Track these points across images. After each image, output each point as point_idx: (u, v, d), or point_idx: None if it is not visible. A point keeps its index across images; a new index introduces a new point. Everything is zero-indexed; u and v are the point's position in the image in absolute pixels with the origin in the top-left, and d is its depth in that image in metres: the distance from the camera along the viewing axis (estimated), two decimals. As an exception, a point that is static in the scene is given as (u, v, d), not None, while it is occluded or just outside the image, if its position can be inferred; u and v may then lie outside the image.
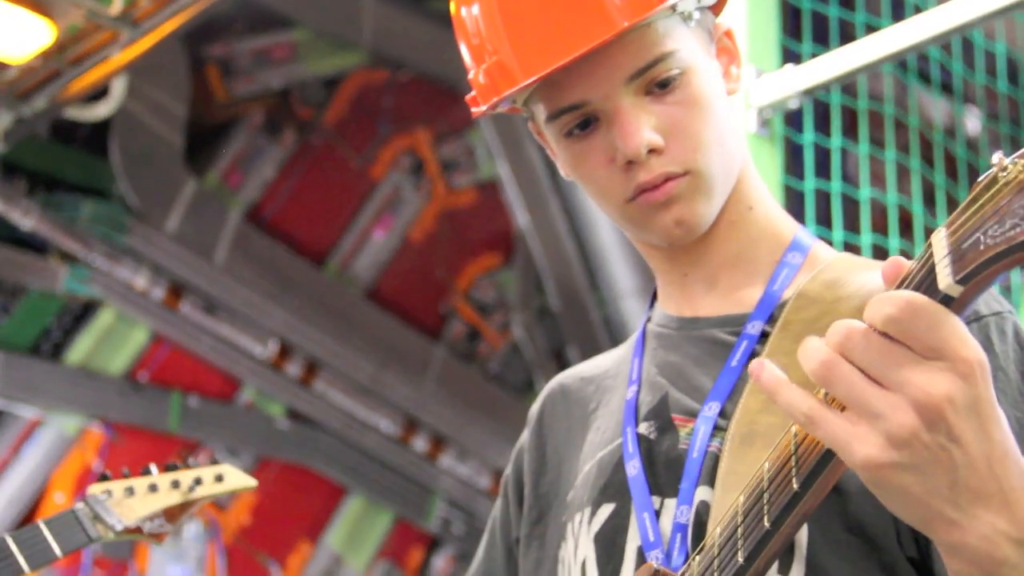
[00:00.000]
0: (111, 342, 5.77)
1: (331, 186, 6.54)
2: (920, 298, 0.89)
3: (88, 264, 5.56)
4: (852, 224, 2.69)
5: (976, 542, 0.92)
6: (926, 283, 0.89)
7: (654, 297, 1.49)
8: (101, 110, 5.27)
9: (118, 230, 5.65)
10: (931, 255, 0.89)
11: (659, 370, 1.38)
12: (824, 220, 2.67)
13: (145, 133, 5.71)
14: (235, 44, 6.13)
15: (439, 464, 6.57)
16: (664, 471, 1.29)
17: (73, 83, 4.68)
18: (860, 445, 0.91)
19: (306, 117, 6.43)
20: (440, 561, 6.66)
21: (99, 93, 5.19)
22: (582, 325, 6.61)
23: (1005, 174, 0.85)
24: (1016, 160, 0.86)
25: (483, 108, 1.37)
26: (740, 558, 1.05)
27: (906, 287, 0.90)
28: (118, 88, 5.27)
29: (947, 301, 0.88)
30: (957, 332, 0.89)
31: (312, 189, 6.45)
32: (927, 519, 0.93)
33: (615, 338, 6.29)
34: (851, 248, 2.54)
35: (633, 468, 1.31)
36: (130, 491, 2.06)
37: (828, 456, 0.96)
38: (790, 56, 2.73)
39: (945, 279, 0.88)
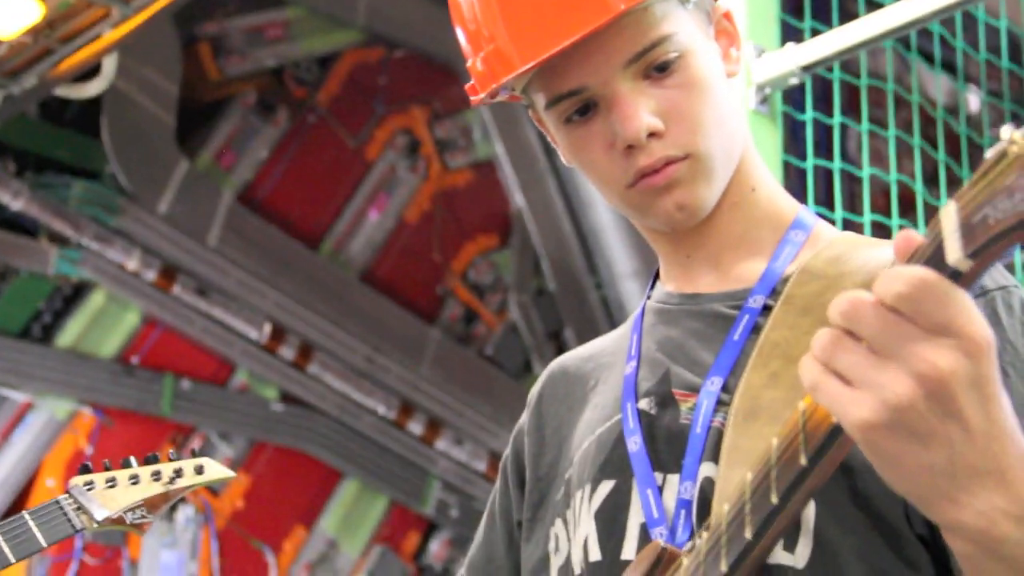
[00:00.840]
0: (102, 325, 5.76)
1: (325, 166, 6.53)
2: (930, 275, 0.89)
3: (79, 246, 5.55)
4: (853, 202, 2.70)
5: (974, 520, 0.92)
6: (935, 257, 0.89)
7: (656, 277, 1.50)
8: (91, 88, 5.26)
9: (109, 211, 5.64)
10: (940, 229, 0.89)
11: (658, 345, 1.39)
12: (824, 199, 2.68)
13: (137, 113, 5.70)
14: (227, 22, 6.12)
15: (435, 447, 6.57)
16: (665, 446, 1.30)
17: (63, 61, 4.67)
18: (856, 407, 0.91)
19: (300, 96, 6.42)
20: (436, 545, 6.66)
21: (90, 71, 5.18)
22: (579, 306, 6.63)
23: (1015, 148, 0.86)
24: None
25: (482, 96, 1.38)
26: (748, 534, 1.06)
27: (915, 261, 0.90)
28: (109, 66, 5.26)
29: (956, 276, 0.89)
30: (965, 309, 0.90)
31: (306, 169, 6.44)
32: (924, 494, 0.94)
33: (613, 320, 6.31)
34: (852, 226, 2.55)
35: (634, 444, 1.31)
36: (112, 482, 2.11)
37: (837, 431, 0.97)
38: (790, 32, 2.73)
39: (954, 253, 0.88)
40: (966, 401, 0.90)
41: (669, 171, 1.31)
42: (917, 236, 0.92)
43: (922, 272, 0.89)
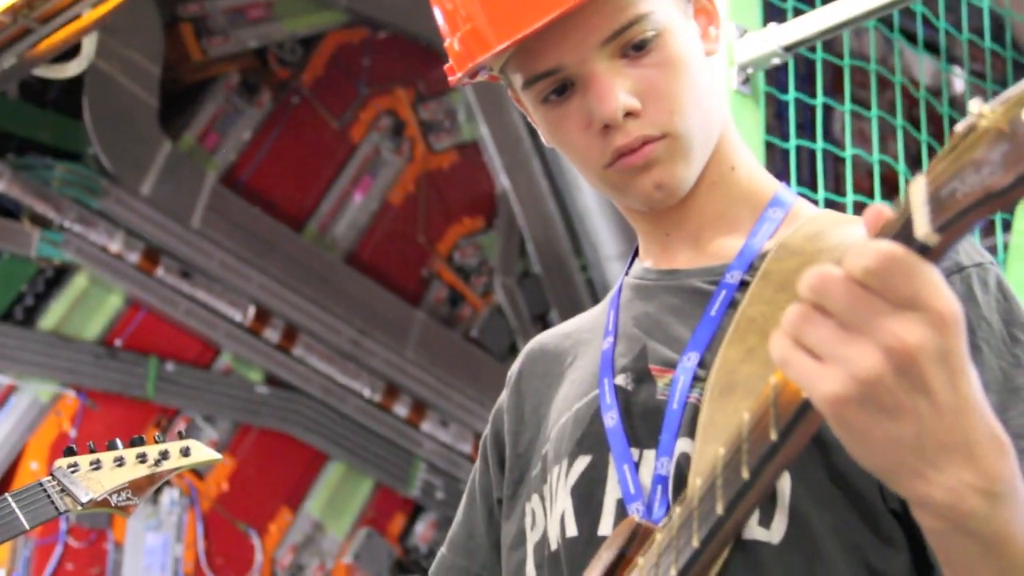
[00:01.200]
0: (85, 307, 5.76)
1: (309, 147, 6.52)
2: (897, 249, 0.89)
3: (61, 228, 5.54)
4: (836, 183, 2.71)
5: (941, 494, 0.92)
6: (904, 231, 0.89)
7: (635, 253, 1.51)
8: (71, 69, 5.23)
9: (92, 193, 5.63)
10: (909, 203, 0.89)
11: (636, 321, 1.40)
12: (808, 180, 2.69)
13: (119, 94, 5.68)
14: (210, 3, 6.10)
15: (421, 429, 6.59)
16: (642, 422, 1.30)
17: (42, 41, 4.65)
18: (824, 382, 0.91)
19: (283, 77, 6.41)
20: (422, 527, 6.69)
21: (69, 52, 5.15)
22: (565, 289, 6.63)
23: (983, 121, 0.86)
24: (995, 107, 0.86)
25: (459, 76, 1.39)
26: (719, 509, 1.06)
27: (885, 235, 0.90)
28: (88, 46, 5.23)
29: (924, 250, 0.88)
30: (932, 283, 0.89)
31: (290, 151, 6.44)
32: (892, 469, 0.94)
33: (598, 302, 6.31)
34: (835, 207, 2.56)
35: (611, 419, 1.32)
36: (96, 465, 2.12)
37: (807, 406, 0.97)
38: (773, 12, 2.74)
39: (922, 228, 0.88)
40: (934, 375, 0.90)
41: (646, 151, 1.32)
42: (887, 210, 0.92)
43: (890, 246, 0.89)
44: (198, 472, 5.91)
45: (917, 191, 0.89)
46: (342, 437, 6.37)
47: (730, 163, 1.40)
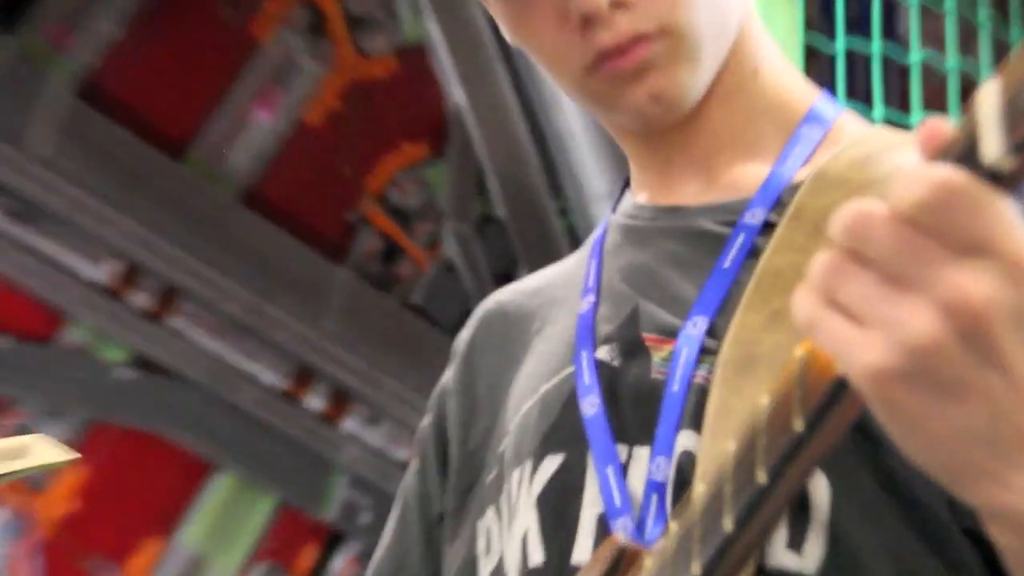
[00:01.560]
0: None
1: (196, 49, 6.53)
2: (959, 176, 0.88)
3: None
4: (900, 98, 2.72)
5: (1023, 502, 0.91)
6: (968, 154, 0.88)
7: (626, 185, 1.52)
8: None
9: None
10: (976, 117, 0.88)
11: (624, 275, 1.41)
12: (861, 94, 2.70)
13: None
14: None
15: (341, 428, 6.62)
16: (632, 410, 1.31)
17: None
18: (865, 351, 0.90)
19: (161, -46, 6.41)
20: (341, 562, 6.73)
21: None
22: (538, 238, 6.65)
23: None
24: None
25: None
26: (727, 525, 1.06)
27: (944, 159, 0.89)
28: None
29: (995, 178, 0.87)
30: (1005, 221, 0.88)
31: (169, 53, 6.43)
32: (956, 468, 0.93)
33: (583, 260, 6.33)
34: (896, 128, 2.58)
35: (590, 406, 1.32)
36: None
37: (842, 384, 0.95)
38: None
39: (993, 148, 0.86)
40: (1010, 342, 0.89)
41: (639, 52, 1.32)
42: (948, 126, 0.91)
43: (950, 173, 0.88)
44: (36, 483, 5.91)
45: (987, 101, 0.87)
46: (234, 439, 6.39)
47: (751, 66, 1.41)
